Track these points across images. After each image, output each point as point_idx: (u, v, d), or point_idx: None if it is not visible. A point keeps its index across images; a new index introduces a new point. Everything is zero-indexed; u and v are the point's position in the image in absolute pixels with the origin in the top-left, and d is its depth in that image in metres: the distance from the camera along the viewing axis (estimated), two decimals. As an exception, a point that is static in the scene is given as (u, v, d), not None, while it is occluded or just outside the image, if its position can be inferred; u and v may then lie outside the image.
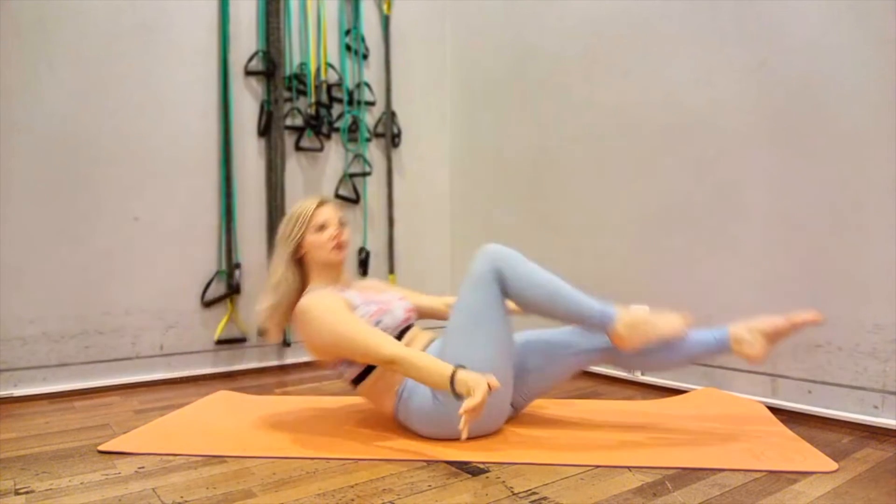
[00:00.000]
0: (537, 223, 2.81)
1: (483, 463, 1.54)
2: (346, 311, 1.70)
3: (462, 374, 1.48)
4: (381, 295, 1.87)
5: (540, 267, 1.69)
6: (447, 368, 1.51)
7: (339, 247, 1.82)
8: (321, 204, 1.86)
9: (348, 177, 2.98)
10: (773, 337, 1.69)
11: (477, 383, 1.44)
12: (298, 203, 1.88)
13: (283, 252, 1.84)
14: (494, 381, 1.45)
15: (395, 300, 1.85)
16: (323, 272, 1.85)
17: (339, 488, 1.40)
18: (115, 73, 2.43)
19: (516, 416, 1.88)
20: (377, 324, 1.71)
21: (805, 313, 1.67)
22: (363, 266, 3.01)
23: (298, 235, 1.82)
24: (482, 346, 1.64)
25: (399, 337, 1.76)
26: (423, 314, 2.01)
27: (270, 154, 2.76)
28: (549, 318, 1.69)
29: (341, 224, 1.85)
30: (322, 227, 1.82)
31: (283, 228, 1.85)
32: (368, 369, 1.73)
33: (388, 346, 1.60)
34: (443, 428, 1.65)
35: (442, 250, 3.33)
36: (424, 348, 1.76)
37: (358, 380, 1.76)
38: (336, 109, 2.96)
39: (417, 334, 1.82)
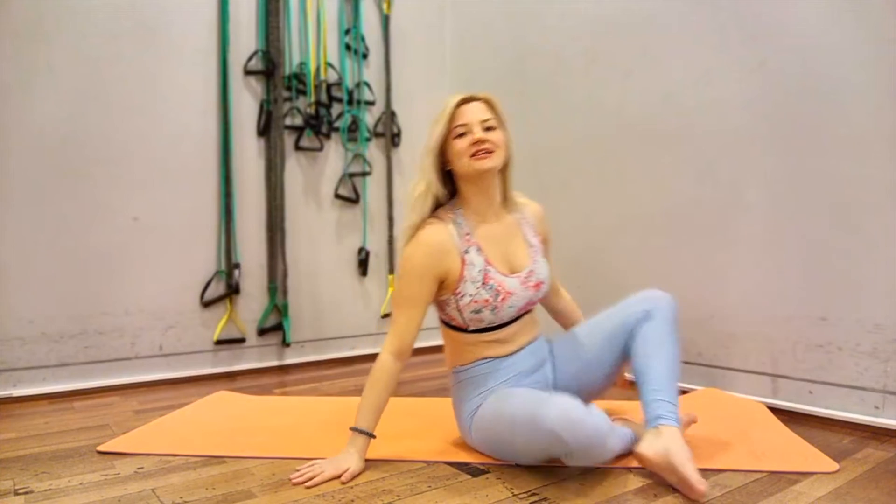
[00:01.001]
0: (537, 223, 2.80)
1: (483, 463, 1.54)
2: (415, 286, 1.50)
3: (354, 445, 1.48)
4: (509, 279, 1.55)
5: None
6: (362, 425, 1.49)
7: (479, 155, 1.50)
8: (465, 101, 1.53)
9: (348, 176, 2.98)
10: (670, 470, 1.36)
11: (348, 463, 1.46)
12: (446, 100, 1.56)
13: (425, 163, 1.54)
14: (349, 478, 1.43)
15: (518, 290, 1.55)
16: (470, 187, 1.56)
17: (339, 489, 1.40)
18: (115, 73, 2.42)
19: None
20: (476, 312, 1.52)
21: (703, 489, 1.31)
22: (363, 266, 3.01)
23: (439, 144, 1.53)
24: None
25: (506, 324, 1.57)
26: (548, 307, 1.81)
27: (270, 154, 2.76)
28: None
29: (487, 126, 1.52)
30: (463, 132, 1.51)
31: (428, 132, 1.55)
32: (453, 326, 1.59)
33: (388, 353, 1.50)
34: (467, 430, 1.61)
35: (442, 250, 3.32)
36: (530, 342, 1.62)
37: (443, 321, 1.62)
38: (336, 109, 2.95)
39: (525, 325, 1.60)
